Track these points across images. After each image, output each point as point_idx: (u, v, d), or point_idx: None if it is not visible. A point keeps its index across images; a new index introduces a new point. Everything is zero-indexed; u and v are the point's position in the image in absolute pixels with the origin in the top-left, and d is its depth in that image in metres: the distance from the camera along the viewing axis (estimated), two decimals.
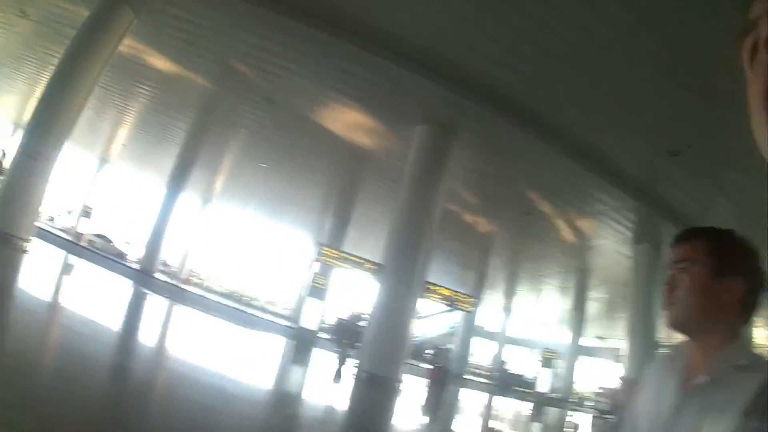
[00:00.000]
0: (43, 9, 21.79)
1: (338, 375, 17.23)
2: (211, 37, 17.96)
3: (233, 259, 65.00)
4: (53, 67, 18.62)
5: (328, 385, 15.52)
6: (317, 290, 23.30)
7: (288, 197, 35.47)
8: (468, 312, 27.51)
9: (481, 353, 50.97)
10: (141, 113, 30.71)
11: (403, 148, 18.40)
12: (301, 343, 22.66)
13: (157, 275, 36.64)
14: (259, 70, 18.79)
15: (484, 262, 33.84)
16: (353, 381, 15.70)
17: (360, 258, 18.27)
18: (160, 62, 21.50)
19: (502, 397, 21.96)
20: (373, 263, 17.14)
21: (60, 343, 8.57)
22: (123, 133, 37.34)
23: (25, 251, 16.23)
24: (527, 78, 14.33)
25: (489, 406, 21.36)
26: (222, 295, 47.25)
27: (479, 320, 42.33)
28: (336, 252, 19.90)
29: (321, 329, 25.52)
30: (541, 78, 14.17)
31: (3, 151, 23.34)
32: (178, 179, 36.65)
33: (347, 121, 19.86)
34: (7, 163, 18.71)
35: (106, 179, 49.84)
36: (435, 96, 15.81)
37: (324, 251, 19.41)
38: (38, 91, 21.60)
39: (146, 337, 13.01)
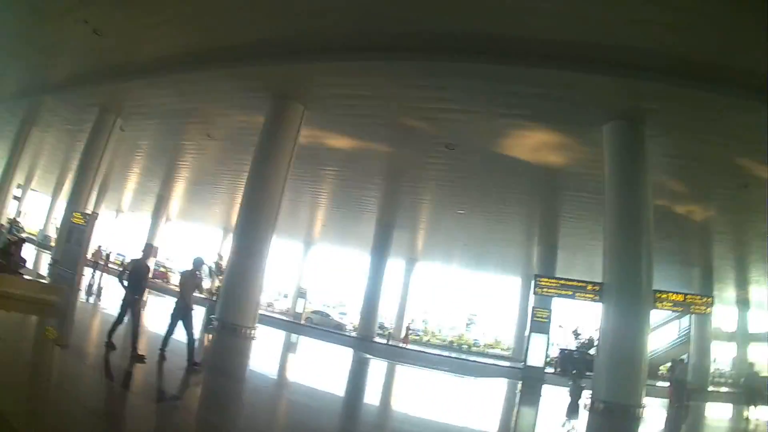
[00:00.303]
0: (225, 127, 24.37)
1: (573, 410, 15.77)
2: (378, 104, 18.59)
3: (447, 311, 65.49)
4: (246, 173, 20.27)
5: (563, 423, 14.29)
6: (539, 324, 22.12)
7: (490, 237, 35.27)
8: (702, 314, 24.55)
9: (722, 359, 45.16)
10: (333, 192, 32.75)
11: (596, 154, 17.12)
12: (529, 382, 21.56)
13: (376, 339, 37.55)
14: (433, 120, 18.94)
15: (707, 253, 30.42)
16: (589, 414, 14.51)
17: (579, 281, 17.08)
18: (339, 141, 22.61)
19: (754, 408, 19.05)
20: (595, 284, 15.93)
21: (289, 416, 8.91)
22: (320, 214, 39.99)
23: (252, 338, 17.61)
24: (708, 29, 12.27)
25: (743, 420, 18.70)
26: (441, 347, 47.15)
27: (714, 321, 35.79)
28: (553, 280, 18.78)
29: (548, 364, 24.16)
30: (723, 23, 12.21)
31: (219, 254, 25.65)
32: (381, 245, 37.83)
33: (531, 144, 19.19)
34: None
35: (313, 259, 53.84)
36: (613, 88, 14.60)
37: (540, 282, 18.39)
38: (238, 197, 23.35)
39: (371, 401, 13.16)
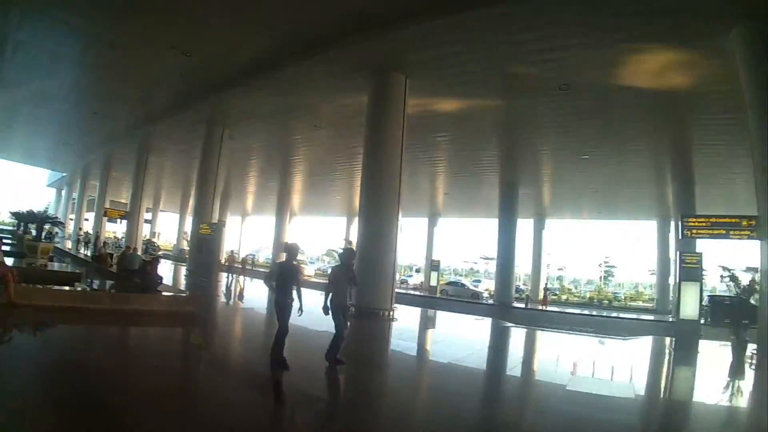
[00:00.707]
0: (330, 114, 24.39)
1: (737, 369, 13.19)
2: (482, 57, 17.48)
3: (582, 265, 63.88)
4: (361, 156, 20.17)
5: (727, 382, 11.87)
6: (689, 271, 19.71)
7: (619, 180, 32.77)
8: None
9: None
10: (449, 158, 31.92)
11: (726, 66, 14.90)
12: (683, 338, 19.42)
13: (515, 304, 36.69)
14: (542, 63, 17.55)
15: None
16: (756, 373, 12.49)
17: (732, 217, 15.24)
18: (447, 105, 21.91)
19: None
20: (750, 218, 14.15)
21: (431, 395, 8.56)
22: (441, 183, 39.44)
23: (392, 319, 17.28)
24: None
25: None
26: (581, 305, 45.37)
27: None
28: (702, 219, 16.84)
29: (702, 315, 21.84)
30: None
31: (347, 240, 25.87)
32: (507, 206, 36.76)
33: (650, 69, 17.19)
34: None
35: (442, 231, 53.74)
36: None
37: (688, 223, 16.57)
38: (357, 180, 23.17)
39: (530, 376, 11.52)
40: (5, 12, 18.39)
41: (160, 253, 49.09)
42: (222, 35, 18.44)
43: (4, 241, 28.98)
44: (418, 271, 60.24)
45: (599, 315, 34.61)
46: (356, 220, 23.97)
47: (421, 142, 26.43)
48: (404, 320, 18.04)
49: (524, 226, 43.22)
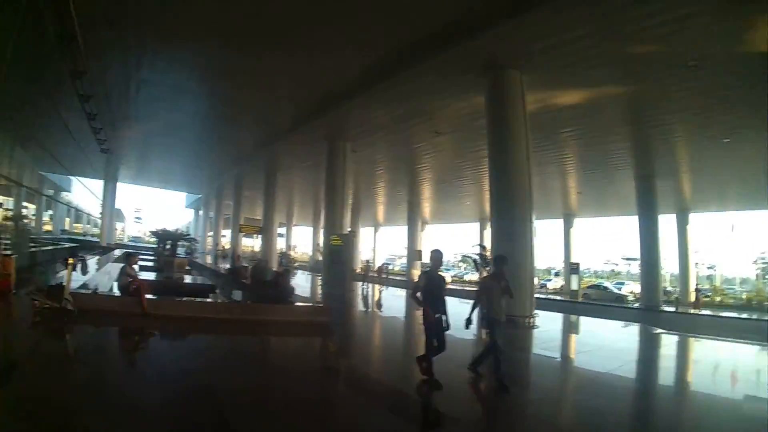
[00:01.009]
0: (449, 119, 23.98)
1: None
2: (600, 41, 16.11)
3: (735, 262, 59.58)
4: (486, 158, 19.48)
5: None
6: None
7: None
8: None
9: None
10: (578, 154, 30.10)
11: None
12: None
13: (664, 308, 34.08)
14: (664, 38, 15.66)
15: None
16: None
17: None
18: (568, 97, 20.82)
19: None
20: None
21: (585, 414, 7.45)
22: (572, 182, 37.72)
23: (533, 327, 16.25)
24: None
25: None
26: (739, 308, 40.61)
27: None
28: None
29: None
30: None
31: (482, 245, 25.09)
32: (645, 201, 34.50)
33: None
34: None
35: (579, 232, 52.07)
36: None
37: None
38: (486, 183, 22.34)
39: (682, 386, 10.44)
40: (124, 57, 19.91)
41: (295, 264, 51.27)
42: (335, 49, 18.44)
43: (145, 257, 31.12)
44: (557, 274, 58.74)
45: (763, 319, 30.76)
46: (489, 224, 23.03)
47: (546, 140, 25.54)
48: (545, 327, 16.82)
49: (667, 223, 40.55)
